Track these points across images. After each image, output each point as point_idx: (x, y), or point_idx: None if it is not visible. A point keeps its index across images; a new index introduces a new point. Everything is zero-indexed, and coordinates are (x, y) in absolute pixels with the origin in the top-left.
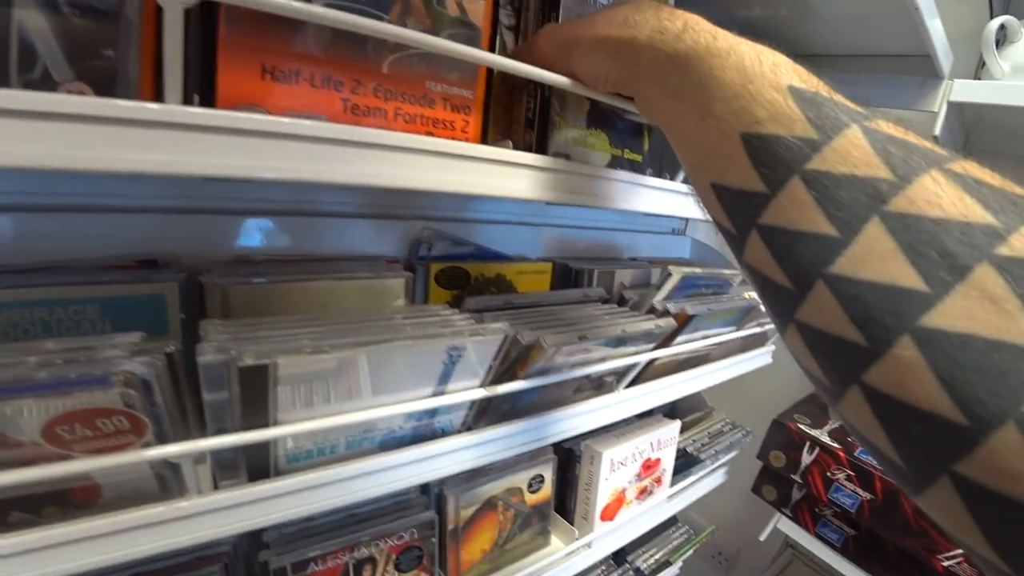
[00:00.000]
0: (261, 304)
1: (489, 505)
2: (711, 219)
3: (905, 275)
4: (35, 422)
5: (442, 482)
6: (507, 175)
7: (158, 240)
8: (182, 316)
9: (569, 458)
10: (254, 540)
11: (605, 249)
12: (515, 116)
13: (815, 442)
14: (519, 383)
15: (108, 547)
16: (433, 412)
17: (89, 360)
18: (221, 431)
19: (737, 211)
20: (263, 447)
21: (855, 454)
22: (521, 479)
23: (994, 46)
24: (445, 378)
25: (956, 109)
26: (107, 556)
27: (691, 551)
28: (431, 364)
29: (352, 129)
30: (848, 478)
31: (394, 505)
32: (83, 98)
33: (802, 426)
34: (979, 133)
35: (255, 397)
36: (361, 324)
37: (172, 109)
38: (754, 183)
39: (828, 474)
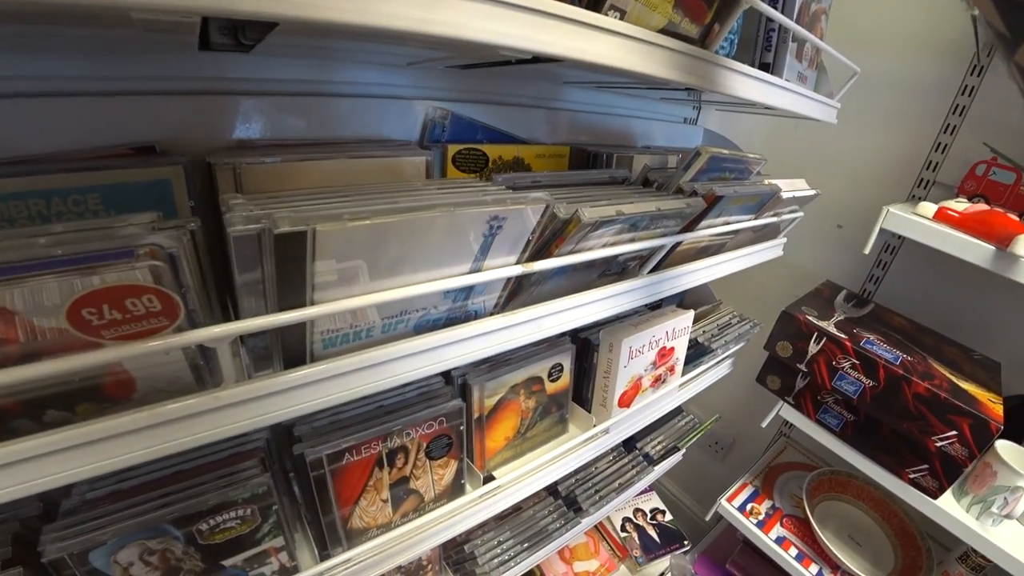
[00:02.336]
0: (276, 185)
1: (512, 393)
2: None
3: None
4: (59, 304)
5: (465, 372)
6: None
7: (155, 126)
8: (191, 203)
9: (586, 348)
10: (286, 435)
11: (619, 136)
12: None
13: (823, 332)
14: (556, 259)
15: (147, 441)
16: (468, 292)
17: (107, 237)
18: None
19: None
20: (299, 331)
21: (861, 344)
22: (541, 368)
23: None
24: (483, 252)
25: None
26: (146, 451)
27: (696, 438)
28: (471, 235)
29: None
30: (853, 367)
31: (420, 396)
32: None
33: (810, 317)
34: None
35: (291, 272)
36: (395, 195)
37: None
38: None
39: (834, 363)
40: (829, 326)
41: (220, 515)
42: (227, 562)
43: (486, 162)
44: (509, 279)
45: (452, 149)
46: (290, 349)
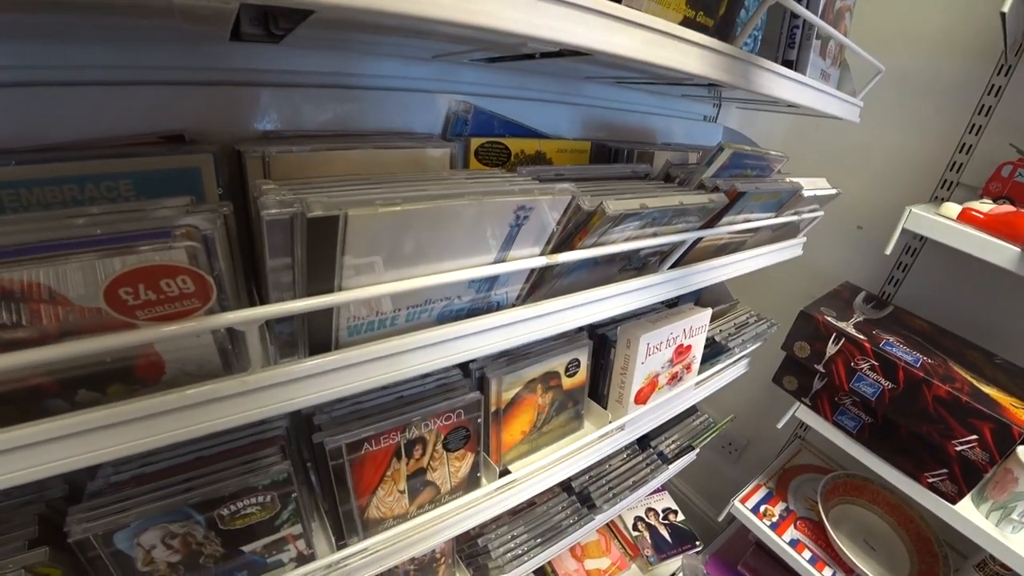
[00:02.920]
0: (303, 174)
1: (529, 388)
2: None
3: None
4: (97, 282)
5: (484, 365)
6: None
7: (184, 115)
8: (219, 191)
9: (603, 344)
10: (306, 424)
11: (638, 132)
12: None
13: (841, 333)
14: (580, 252)
15: (175, 423)
16: (492, 283)
17: (142, 219)
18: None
19: None
20: (327, 318)
21: (880, 345)
22: (559, 363)
23: None
24: (509, 243)
25: None
26: (174, 433)
27: (710, 437)
28: (498, 225)
29: None
30: (872, 368)
31: (438, 388)
32: None
33: (829, 318)
34: None
35: (321, 257)
36: (424, 183)
37: None
38: None
39: (852, 364)
40: (848, 327)
41: (241, 501)
42: (246, 548)
43: (508, 156)
44: (532, 271)
45: (475, 142)
46: (316, 336)
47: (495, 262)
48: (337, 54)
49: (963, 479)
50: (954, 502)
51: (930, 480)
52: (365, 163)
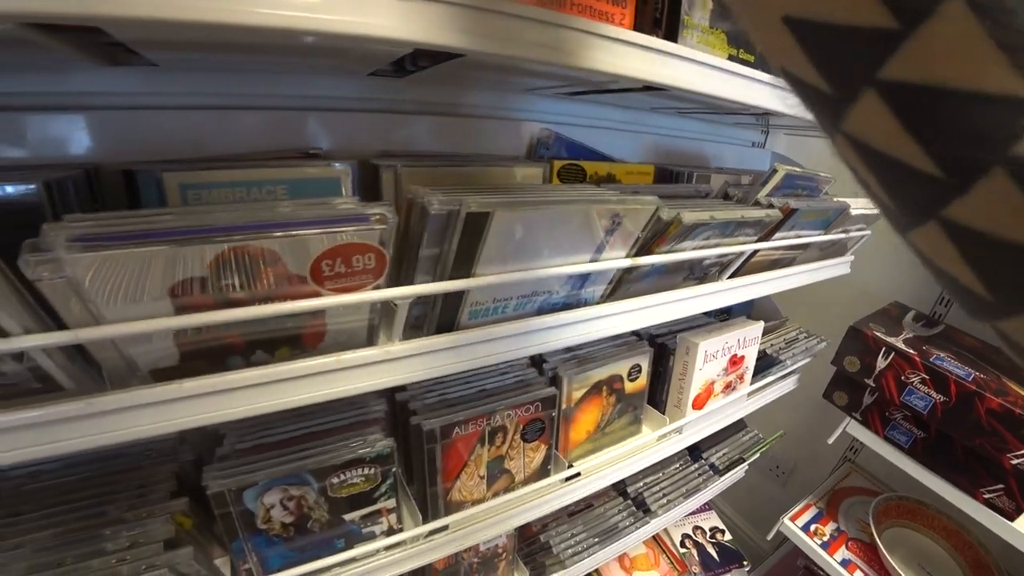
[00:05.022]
0: (429, 184)
1: (595, 389)
2: (781, 70)
3: None
4: (310, 254)
5: (555, 365)
6: (663, 63)
7: (321, 135)
8: (356, 197)
9: (661, 352)
10: (401, 409)
11: (694, 157)
12: (644, 16)
13: (891, 348)
14: (659, 256)
15: (328, 385)
16: (584, 280)
17: (331, 209)
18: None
19: (836, 59)
20: (457, 299)
21: (931, 360)
22: (622, 367)
23: None
24: (602, 245)
25: None
26: (327, 392)
27: (760, 452)
28: (595, 229)
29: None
30: (923, 381)
31: (516, 383)
32: None
33: (878, 333)
34: None
35: (468, 246)
36: (539, 192)
37: None
38: (881, 18)
39: (902, 378)
40: (898, 342)
41: (350, 471)
42: (347, 516)
43: (584, 176)
44: (617, 271)
45: (557, 164)
46: (444, 317)
47: (590, 261)
48: (448, 87)
49: (1020, 494)
50: (1012, 519)
51: (986, 496)
52: (477, 177)
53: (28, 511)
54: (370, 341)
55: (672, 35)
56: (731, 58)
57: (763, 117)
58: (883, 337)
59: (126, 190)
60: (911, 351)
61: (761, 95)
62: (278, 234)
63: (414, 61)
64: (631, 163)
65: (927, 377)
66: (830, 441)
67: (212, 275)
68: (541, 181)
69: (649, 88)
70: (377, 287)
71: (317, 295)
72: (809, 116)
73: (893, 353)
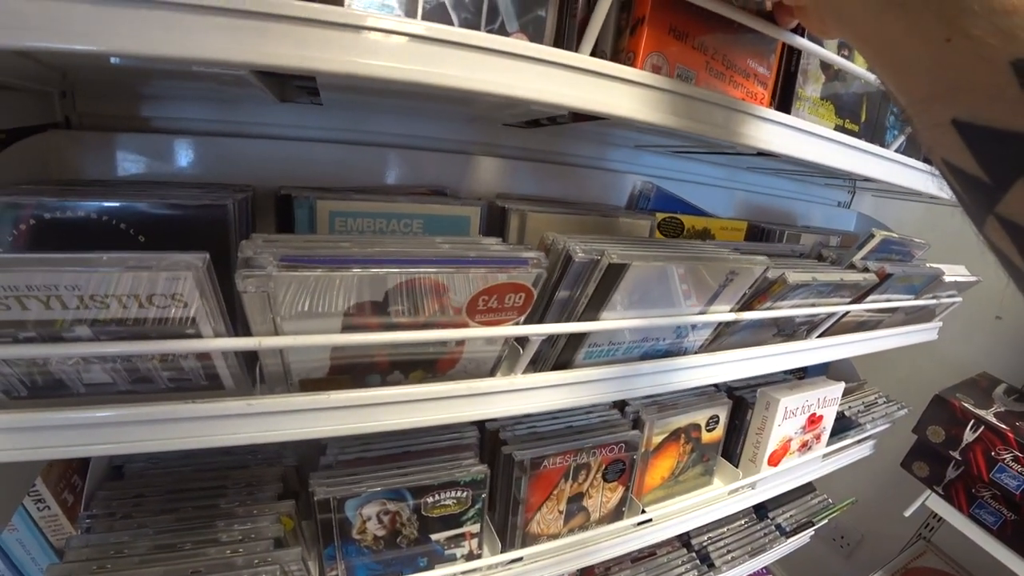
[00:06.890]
0: (549, 229)
1: (674, 436)
2: (942, 161)
3: None
4: (471, 290)
5: (638, 408)
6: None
7: (447, 174)
8: (499, 239)
9: (738, 405)
10: (491, 437)
11: (781, 215)
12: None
13: (980, 420)
14: (760, 312)
15: (458, 409)
16: (689, 330)
17: (478, 249)
18: None
19: (996, 155)
20: (578, 340)
21: None
22: (701, 416)
23: None
24: (714, 297)
25: None
26: (456, 415)
27: (830, 517)
28: (713, 282)
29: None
30: (1015, 459)
31: (601, 423)
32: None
33: (967, 404)
34: None
35: (601, 292)
36: (661, 246)
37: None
38: None
39: (992, 453)
40: (988, 415)
41: (444, 492)
42: (434, 536)
43: (682, 229)
44: (719, 324)
45: (659, 217)
46: (562, 355)
47: (700, 313)
48: (564, 138)
49: None
50: None
51: None
52: (592, 226)
53: (150, 494)
54: (492, 372)
55: (785, 106)
56: (837, 128)
57: (849, 179)
58: (972, 409)
59: (275, 211)
60: (1003, 426)
61: (866, 164)
62: (450, 269)
63: (552, 118)
64: (724, 218)
65: (1020, 455)
66: (907, 514)
67: (389, 300)
68: (648, 233)
69: (762, 153)
70: (516, 323)
71: (466, 326)
72: (950, 196)
73: (983, 427)
